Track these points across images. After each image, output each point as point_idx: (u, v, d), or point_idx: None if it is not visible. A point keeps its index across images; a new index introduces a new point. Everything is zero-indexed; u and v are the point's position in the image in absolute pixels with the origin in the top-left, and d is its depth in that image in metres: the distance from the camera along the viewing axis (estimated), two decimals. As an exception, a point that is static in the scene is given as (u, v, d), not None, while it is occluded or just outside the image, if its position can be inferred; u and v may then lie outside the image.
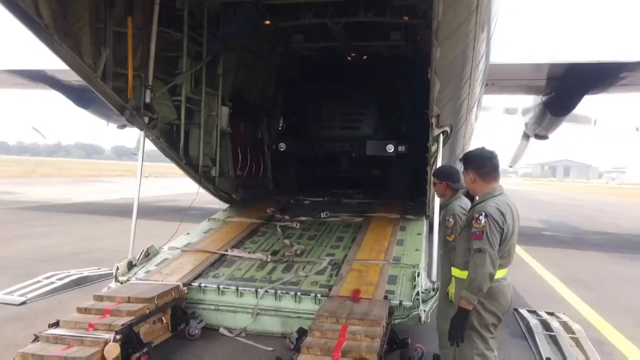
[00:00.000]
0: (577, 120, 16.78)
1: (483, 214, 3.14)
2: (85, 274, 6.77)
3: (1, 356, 4.14)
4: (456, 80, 4.48)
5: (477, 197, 3.55)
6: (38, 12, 4.37)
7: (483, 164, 3.39)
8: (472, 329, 3.21)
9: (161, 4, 6.08)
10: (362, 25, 8.15)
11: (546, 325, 5.33)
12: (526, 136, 18.11)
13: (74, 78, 15.57)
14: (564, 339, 4.94)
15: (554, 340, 4.95)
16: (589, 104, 14.98)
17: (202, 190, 7.37)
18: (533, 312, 5.92)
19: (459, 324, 3.17)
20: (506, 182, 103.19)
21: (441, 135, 5.11)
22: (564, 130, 16.87)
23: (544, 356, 4.55)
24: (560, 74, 12.43)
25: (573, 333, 5.14)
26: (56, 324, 4.05)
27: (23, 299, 5.70)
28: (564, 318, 5.68)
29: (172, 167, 7.64)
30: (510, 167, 19.74)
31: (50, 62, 14.87)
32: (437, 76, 4.06)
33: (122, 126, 19.88)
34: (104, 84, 5.32)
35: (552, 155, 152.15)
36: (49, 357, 3.60)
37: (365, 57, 10.06)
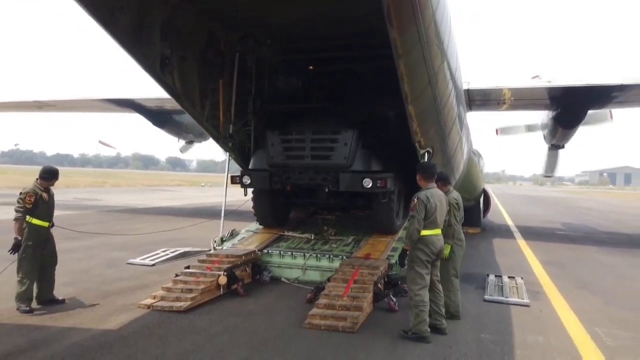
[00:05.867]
0: (593, 122, 17.53)
1: (417, 197, 5.48)
2: (187, 250, 9.81)
3: (156, 286, 6.98)
4: (429, 120, 7.00)
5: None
6: (175, 84, 7.35)
7: (426, 171, 5.74)
8: (413, 261, 5.43)
9: (239, 65, 8.96)
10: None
11: (499, 281, 7.82)
12: (555, 146, 19.47)
13: (154, 104, 19.12)
14: (507, 287, 7.44)
15: (500, 288, 7.43)
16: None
17: None
18: (498, 276, 8.35)
19: (403, 257, 5.69)
20: (557, 190, 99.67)
21: (426, 154, 7.66)
22: (624, 136, 17.15)
23: (488, 293, 7.07)
24: (561, 95, 14.55)
25: (516, 285, 7.60)
26: (188, 267, 6.97)
27: (153, 262, 8.81)
28: (517, 279, 8.10)
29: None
30: (548, 176, 20.86)
31: (137, 93, 18.40)
32: (412, 119, 6.64)
33: (190, 142, 23.41)
34: (207, 124, 8.30)
35: (612, 162, 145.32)
36: (190, 281, 6.49)
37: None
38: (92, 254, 9.62)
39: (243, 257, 7.35)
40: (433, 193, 5.51)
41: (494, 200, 37.95)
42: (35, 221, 6.00)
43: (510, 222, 20.21)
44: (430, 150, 7.71)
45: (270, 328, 5.47)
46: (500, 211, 26.75)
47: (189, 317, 5.74)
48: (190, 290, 6.24)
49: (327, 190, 8.05)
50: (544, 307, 6.72)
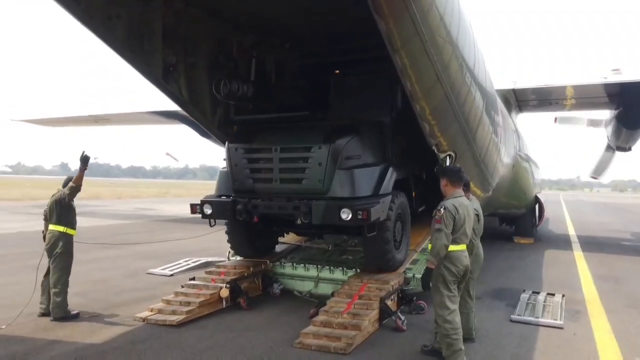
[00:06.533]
0: None
1: (444, 207, 4.91)
2: (210, 260, 9.66)
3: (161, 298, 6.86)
4: (446, 119, 6.39)
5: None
6: (181, 93, 7.22)
7: (453, 175, 5.17)
8: (440, 282, 4.95)
9: (256, 71, 8.70)
10: None
11: (533, 298, 7.01)
12: (611, 148, 18.08)
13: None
14: (540, 305, 6.64)
15: (533, 306, 6.65)
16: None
17: None
18: (536, 292, 7.51)
19: (427, 277, 5.13)
20: (623, 196, 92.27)
21: (447, 158, 7.02)
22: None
23: (517, 312, 6.33)
24: (621, 91, 13.21)
25: (552, 303, 6.77)
26: (193, 279, 6.78)
27: (171, 272, 8.75)
28: (557, 296, 7.24)
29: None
30: (594, 178, 19.49)
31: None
32: (424, 120, 6.07)
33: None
34: (220, 132, 8.10)
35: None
36: (190, 294, 6.28)
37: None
38: (119, 263, 9.71)
39: (251, 269, 7.06)
40: (461, 202, 4.94)
41: (562, 207, 35.87)
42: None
43: (571, 232, 18.64)
44: (453, 154, 7.07)
45: (260, 345, 5.11)
46: (564, 219, 24.89)
47: (181, 331, 5.50)
48: (188, 304, 6.01)
49: (299, 222, 6.38)
50: (580, 329, 5.90)
